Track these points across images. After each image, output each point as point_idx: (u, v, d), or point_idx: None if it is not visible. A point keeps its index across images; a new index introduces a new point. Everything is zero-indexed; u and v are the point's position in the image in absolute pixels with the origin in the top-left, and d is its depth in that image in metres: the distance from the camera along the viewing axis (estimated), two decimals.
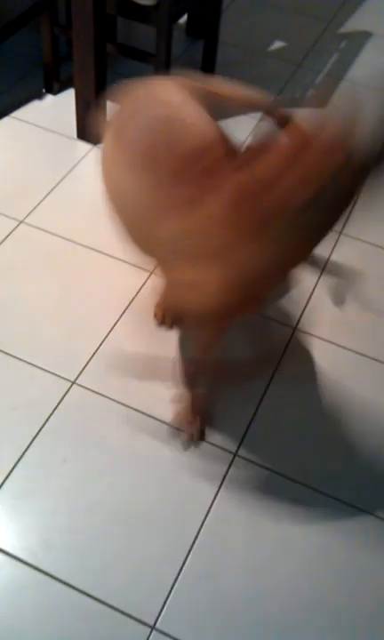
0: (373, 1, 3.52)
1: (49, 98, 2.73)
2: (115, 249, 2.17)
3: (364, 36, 3.23)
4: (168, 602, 1.51)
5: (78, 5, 2.21)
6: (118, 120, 1.41)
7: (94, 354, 1.90)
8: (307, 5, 3.41)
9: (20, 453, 1.71)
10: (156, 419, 1.80)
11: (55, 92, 2.73)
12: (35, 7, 2.61)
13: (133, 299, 2.03)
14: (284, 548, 1.61)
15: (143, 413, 1.81)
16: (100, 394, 1.84)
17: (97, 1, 2.21)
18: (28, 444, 1.72)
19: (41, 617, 1.47)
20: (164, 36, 2.37)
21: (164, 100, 1.39)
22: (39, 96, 2.73)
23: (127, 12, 2.39)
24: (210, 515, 1.65)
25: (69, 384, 1.84)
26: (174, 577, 1.55)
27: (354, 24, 3.32)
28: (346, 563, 1.59)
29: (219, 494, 1.68)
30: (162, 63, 2.44)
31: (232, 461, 1.74)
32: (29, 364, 1.86)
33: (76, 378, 1.85)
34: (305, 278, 2.11)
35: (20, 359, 1.87)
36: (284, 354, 1.96)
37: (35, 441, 1.73)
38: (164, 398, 1.84)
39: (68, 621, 1.47)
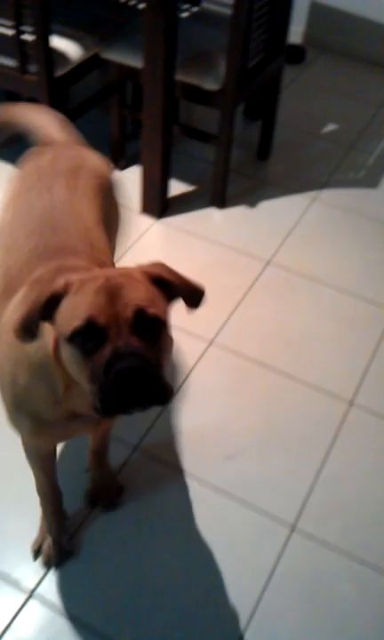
0: None
1: (115, 173, 2.87)
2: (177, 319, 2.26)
3: None
4: None
5: (150, 91, 2.36)
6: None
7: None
8: (358, 90, 3.56)
9: None
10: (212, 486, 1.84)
11: (121, 168, 2.88)
12: (105, 89, 2.78)
13: None
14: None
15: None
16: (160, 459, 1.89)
17: (167, 87, 2.35)
18: None
19: None
20: (227, 119, 2.51)
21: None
22: None
23: (193, 97, 2.54)
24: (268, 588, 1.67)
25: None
26: None
27: None
28: None
29: (275, 571, 1.70)
30: (224, 144, 2.57)
31: (290, 536, 1.76)
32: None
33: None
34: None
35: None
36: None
37: None
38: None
39: None
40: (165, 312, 1.13)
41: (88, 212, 1.54)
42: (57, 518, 1.70)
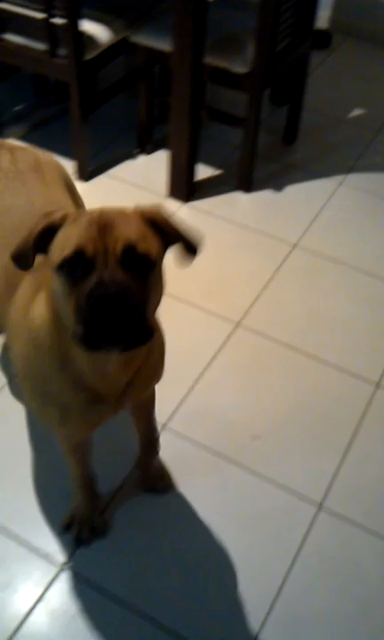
0: None
1: (141, 158, 2.89)
2: (204, 301, 2.28)
3: None
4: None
5: (178, 74, 2.37)
6: None
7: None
8: None
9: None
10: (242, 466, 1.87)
11: (148, 153, 2.89)
12: (132, 74, 2.79)
13: None
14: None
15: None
16: (189, 438, 1.91)
17: (195, 70, 2.36)
18: None
19: None
20: (255, 102, 2.52)
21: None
22: (132, 156, 2.90)
23: (220, 80, 2.54)
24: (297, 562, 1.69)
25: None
26: (262, 620, 1.59)
27: None
28: None
29: (302, 549, 1.72)
30: (251, 127, 2.57)
31: (316, 515, 1.78)
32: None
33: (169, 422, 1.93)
34: None
35: None
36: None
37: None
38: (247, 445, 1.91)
39: None
40: (158, 253, 1.14)
41: (66, 200, 1.60)
42: (90, 498, 1.72)
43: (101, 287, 1.04)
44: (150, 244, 1.12)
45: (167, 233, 1.18)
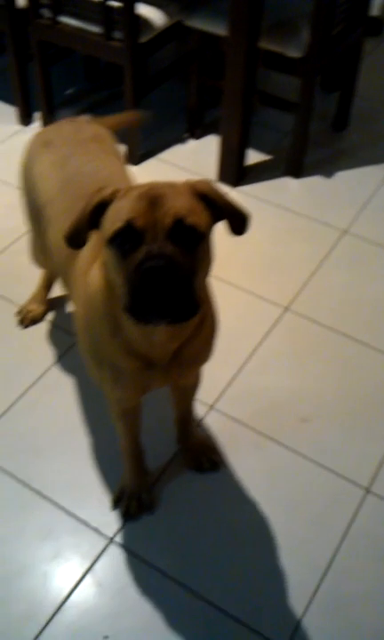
0: None
1: (191, 142, 2.90)
2: (253, 285, 2.29)
3: None
4: (300, 624, 1.56)
5: (232, 58, 2.37)
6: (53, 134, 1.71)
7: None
8: None
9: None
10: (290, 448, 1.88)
11: (197, 137, 2.90)
12: (182, 59, 2.79)
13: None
14: None
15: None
16: (236, 419, 1.93)
17: (250, 54, 2.36)
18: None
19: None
20: (308, 87, 2.51)
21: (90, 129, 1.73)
22: (182, 140, 2.91)
23: (273, 64, 2.54)
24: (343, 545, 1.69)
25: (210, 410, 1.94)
26: (308, 601, 1.60)
27: None
28: None
29: (349, 531, 1.73)
30: (304, 112, 2.56)
31: (364, 498, 1.78)
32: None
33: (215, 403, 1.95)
34: None
35: None
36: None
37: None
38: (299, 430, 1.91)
39: None
40: (207, 226, 1.15)
41: (124, 171, 1.66)
42: (138, 474, 1.75)
43: (150, 259, 1.07)
44: (199, 216, 1.13)
45: (216, 207, 1.19)
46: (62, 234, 1.27)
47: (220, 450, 1.86)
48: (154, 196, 1.11)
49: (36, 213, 1.70)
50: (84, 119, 1.83)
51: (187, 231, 1.10)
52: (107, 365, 1.39)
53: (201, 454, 1.84)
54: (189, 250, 1.11)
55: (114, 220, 1.13)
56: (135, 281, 1.08)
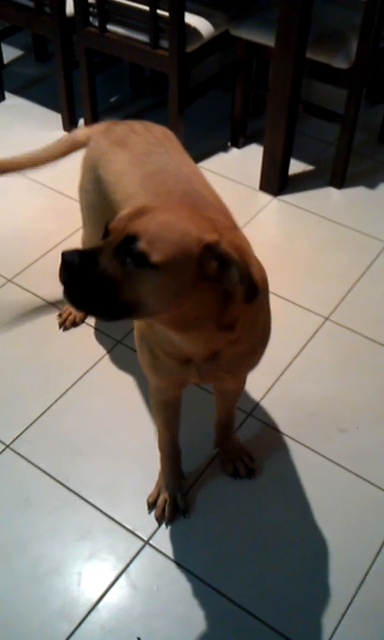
0: None
1: (234, 151, 2.92)
2: (294, 294, 2.29)
3: None
4: (335, 634, 1.55)
5: (279, 68, 2.38)
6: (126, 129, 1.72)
7: None
8: None
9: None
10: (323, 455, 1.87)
11: (240, 146, 2.92)
12: (230, 67, 2.81)
13: None
14: None
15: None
16: (272, 426, 1.93)
17: (297, 65, 2.37)
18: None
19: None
20: (354, 98, 2.51)
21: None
22: (225, 149, 2.92)
23: (319, 75, 2.54)
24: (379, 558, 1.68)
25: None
26: (343, 610, 1.58)
27: None
28: None
29: None
30: (349, 123, 2.57)
31: None
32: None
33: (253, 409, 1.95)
34: None
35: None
36: None
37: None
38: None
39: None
40: (166, 261, 1.07)
41: (196, 168, 1.66)
42: (174, 476, 1.76)
43: (69, 254, 1.10)
44: (161, 247, 1.07)
45: (227, 265, 1.11)
46: None
47: (256, 457, 1.86)
48: (143, 211, 1.10)
49: (102, 210, 1.69)
50: (144, 121, 1.84)
51: (133, 254, 1.07)
52: (150, 350, 1.41)
53: (238, 460, 1.84)
54: (130, 271, 1.08)
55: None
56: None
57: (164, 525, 1.73)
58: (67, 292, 1.13)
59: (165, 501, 1.75)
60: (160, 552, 1.68)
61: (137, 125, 1.74)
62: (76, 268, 1.10)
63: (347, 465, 1.85)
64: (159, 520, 1.74)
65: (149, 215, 1.09)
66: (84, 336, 2.16)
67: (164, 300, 1.13)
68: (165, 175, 1.56)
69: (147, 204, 1.12)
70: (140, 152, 1.65)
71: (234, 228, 1.42)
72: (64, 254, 1.10)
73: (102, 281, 1.09)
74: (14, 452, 1.87)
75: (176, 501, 1.76)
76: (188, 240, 1.09)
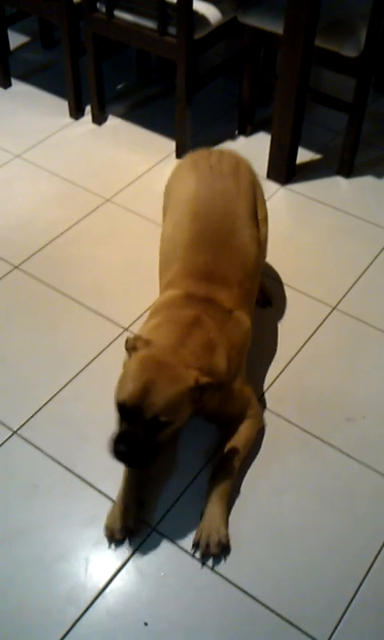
0: None
1: (241, 139, 2.90)
2: (301, 283, 2.29)
3: None
4: (341, 622, 1.55)
5: (287, 56, 2.37)
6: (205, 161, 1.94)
7: None
8: None
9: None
10: (331, 445, 1.87)
11: (247, 134, 2.91)
12: (238, 55, 2.80)
13: None
14: None
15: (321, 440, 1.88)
16: (281, 415, 1.93)
17: (305, 53, 2.36)
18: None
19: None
20: (363, 87, 2.50)
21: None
22: (232, 137, 2.91)
23: (328, 63, 2.53)
24: None
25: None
26: (349, 599, 1.59)
27: None
28: None
29: None
30: (357, 112, 2.55)
31: None
32: None
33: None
34: None
35: None
36: None
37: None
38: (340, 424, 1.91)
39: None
40: (181, 416, 1.53)
41: (245, 210, 1.85)
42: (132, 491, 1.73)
43: (119, 440, 1.52)
44: (175, 412, 1.50)
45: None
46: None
47: (264, 446, 1.86)
48: (145, 386, 1.47)
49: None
50: (225, 149, 2.05)
51: (158, 423, 1.48)
52: None
53: (205, 535, 1.66)
54: (154, 433, 1.50)
55: (121, 386, 1.52)
56: (112, 443, 1.53)
57: (171, 511, 1.73)
58: (128, 460, 1.53)
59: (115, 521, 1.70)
60: (167, 538, 1.68)
61: (215, 154, 1.95)
62: (130, 444, 1.50)
63: (354, 454, 1.85)
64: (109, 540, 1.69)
65: (154, 392, 1.47)
66: (90, 324, 2.16)
67: (177, 430, 1.58)
68: (209, 209, 1.82)
69: (142, 375, 1.49)
70: (201, 177, 1.88)
71: (230, 311, 1.72)
72: (119, 443, 1.51)
73: (145, 444, 1.50)
74: (22, 438, 1.87)
75: (127, 524, 1.69)
76: (184, 395, 1.50)
